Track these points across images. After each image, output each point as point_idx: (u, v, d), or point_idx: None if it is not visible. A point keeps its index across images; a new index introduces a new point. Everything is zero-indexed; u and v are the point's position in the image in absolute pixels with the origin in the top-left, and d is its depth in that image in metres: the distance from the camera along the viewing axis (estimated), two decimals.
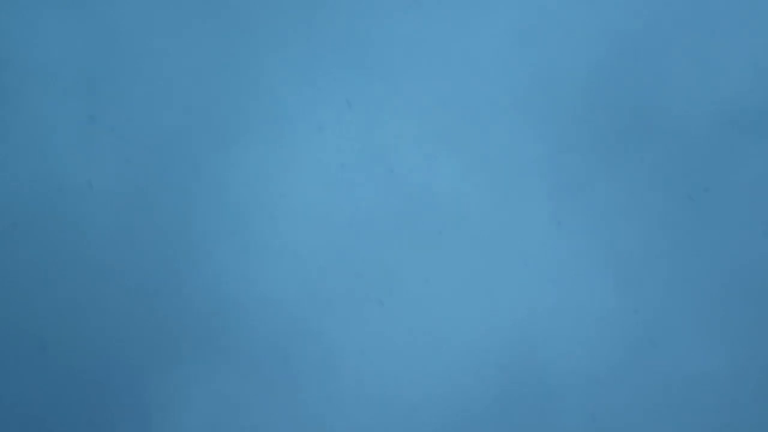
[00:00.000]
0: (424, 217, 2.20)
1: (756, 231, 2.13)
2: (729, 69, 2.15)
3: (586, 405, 2.14)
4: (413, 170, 2.20)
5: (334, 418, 2.19)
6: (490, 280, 2.18)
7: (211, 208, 2.24)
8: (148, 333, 2.25)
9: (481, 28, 2.19)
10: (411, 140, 2.20)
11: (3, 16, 2.31)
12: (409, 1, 2.21)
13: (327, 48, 2.23)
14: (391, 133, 2.21)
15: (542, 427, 2.15)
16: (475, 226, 2.19)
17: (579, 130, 2.18)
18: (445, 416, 2.17)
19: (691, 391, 2.13)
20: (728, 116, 2.15)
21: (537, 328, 2.16)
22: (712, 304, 2.13)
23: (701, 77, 2.16)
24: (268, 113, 2.24)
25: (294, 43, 2.23)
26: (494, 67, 2.19)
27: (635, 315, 2.13)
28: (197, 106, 2.26)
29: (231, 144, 2.24)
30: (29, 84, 2.29)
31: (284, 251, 2.22)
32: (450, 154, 2.19)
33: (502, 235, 2.18)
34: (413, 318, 2.19)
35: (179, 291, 2.24)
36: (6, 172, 2.28)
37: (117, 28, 2.28)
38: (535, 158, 2.18)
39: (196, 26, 2.26)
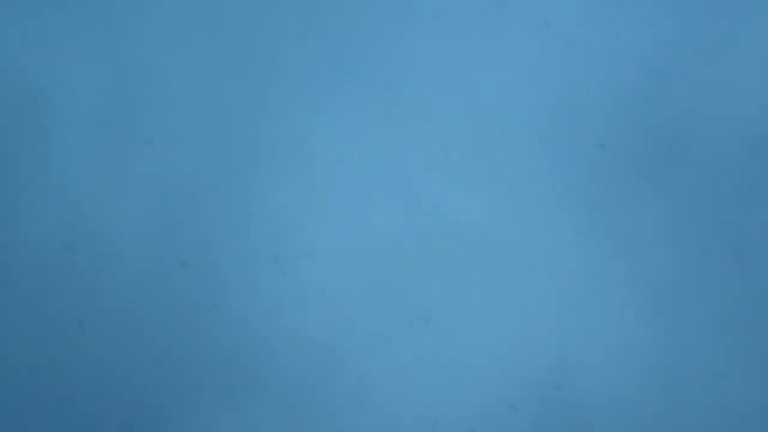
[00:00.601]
0: (451, 249, 2.20)
1: None
2: (756, 92, 2.14)
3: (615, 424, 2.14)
4: (440, 202, 2.20)
5: None
6: (520, 309, 2.17)
7: (239, 242, 2.25)
8: (175, 369, 2.25)
9: (506, 57, 2.19)
10: (437, 171, 2.21)
11: (38, 54, 2.33)
12: (433, 33, 2.21)
13: (352, 80, 2.23)
14: (417, 165, 2.21)
15: None
16: (503, 256, 2.18)
17: (605, 157, 2.17)
18: None
19: (722, 417, 2.12)
20: (757, 139, 2.14)
21: (567, 356, 2.16)
22: (744, 330, 2.12)
23: (728, 101, 2.15)
24: (294, 147, 2.24)
25: (319, 75, 2.24)
26: (519, 96, 2.19)
27: (665, 341, 2.13)
28: (223, 141, 2.27)
29: (256, 178, 2.24)
30: (60, 121, 2.31)
31: (312, 284, 2.22)
32: (477, 184, 2.19)
33: (530, 263, 2.18)
34: (443, 349, 2.18)
35: (206, 326, 2.24)
36: (37, 206, 2.30)
37: (144, 65, 2.29)
38: (562, 186, 2.17)
39: (222, 62, 2.27)
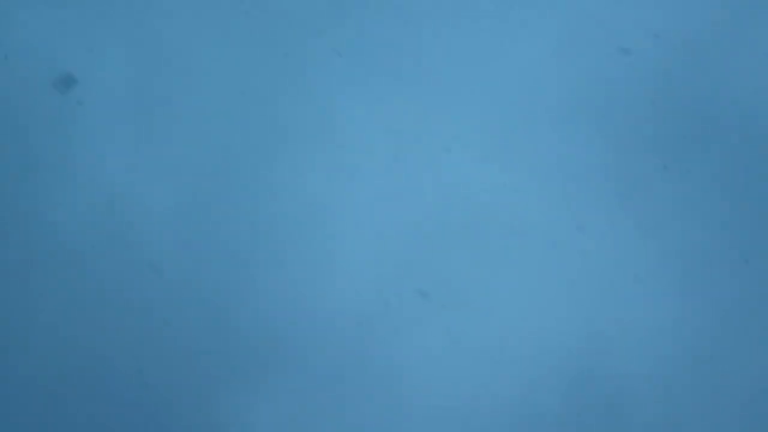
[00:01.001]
0: (481, 227, 2.19)
1: None
2: None
3: (651, 414, 2.15)
4: (470, 180, 2.20)
5: (400, 430, 2.20)
6: (550, 287, 2.18)
7: (267, 222, 2.25)
8: (214, 351, 2.26)
9: (534, 32, 2.18)
10: (467, 149, 2.20)
11: (66, 40, 2.31)
12: (460, 10, 2.19)
13: (377, 56, 2.22)
14: (447, 142, 2.20)
15: (612, 428, 2.16)
16: (534, 234, 2.18)
17: (638, 132, 2.16)
18: (509, 427, 2.18)
19: (752, 394, 2.13)
20: None
21: (600, 336, 2.16)
22: None
23: (764, 78, 2.14)
24: (323, 124, 2.24)
25: (346, 53, 2.23)
26: (549, 71, 2.18)
27: (701, 320, 2.13)
28: (250, 120, 2.26)
29: (284, 157, 2.24)
30: (89, 106, 2.30)
31: (342, 264, 2.23)
32: (507, 161, 2.19)
33: (561, 242, 2.18)
34: (474, 330, 2.19)
35: (244, 308, 2.25)
36: (64, 193, 2.29)
37: (172, 47, 2.28)
38: (594, 163, 2.17)
39: (248, 41, 2.26)
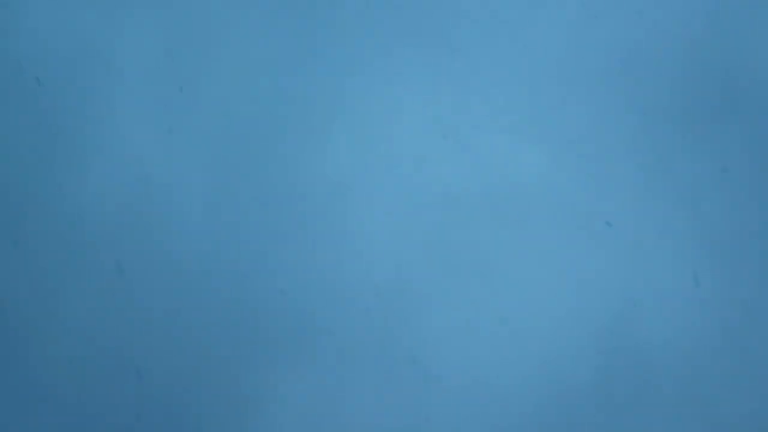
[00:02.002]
0: (510, 201, 2.19)
1: None
2: None
3: (683, 386, 2.13)
4: (499, 153, 2.20)
5: (430, 406, 2.19)
6: (580, 260, 2.17)
7: (303, 202, 2.26)
8: (240, 331, 2.27)
9: (563, 6, 2.19)
10: (495, 123, 2.21)
11: (98, 17, 2.35)
12: None
13: (408, 33, 2.24)
14: (475, 115, 2.21)
15: (640, 410, 2.14)
16: (564, 207, 2.18)
17: (667, 104, 2.16)
18: (542, 400, 2.16)
19: None
20: None
21: (631, 309, 2.15)
22: None
23: None
24: (351, 99, 2.25)
25: (376, 34, 2.25)
26: (577, 44, 2.19)
27: (730, 293, 2.11)
28: (275, 102, 2.28)
29: (313, 131, 2.26)
30: (119, 85, 2.33)
31: (372, 241, 2.23)
32: (536, 135, 2.19)
33: (590, 214, 2.17)
34: (506, 304, 2.18)
35: (270, 287, 2.26)
36: (100, 172, 2.32)
37: (202, 27, 2.31)
38: (623, 136, 2.17)
39: (281, 25, 2.29)
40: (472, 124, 2.21)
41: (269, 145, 2.27)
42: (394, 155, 2.23)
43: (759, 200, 2.13)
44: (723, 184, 2.13)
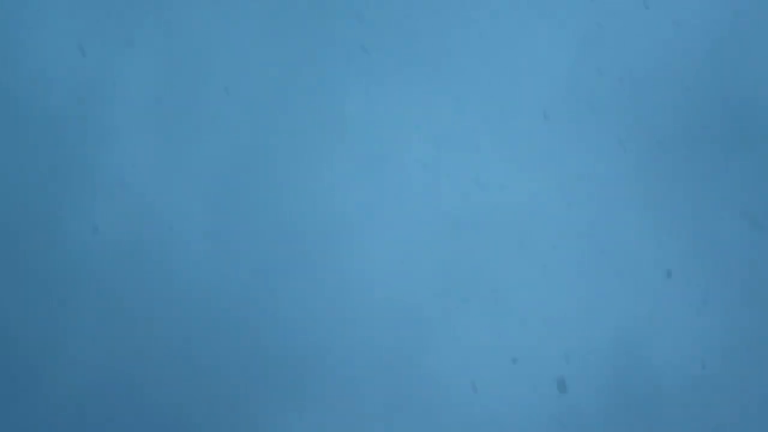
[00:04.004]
0: (514, 225, 2.20)
1: None
2: None
3: (690, 403, 2.14)
4: (503, 179, 2.20)
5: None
6: (584, 284, 2.18)
7: (304, 229, 2.26)
8: (244, 364, 2.26)
9: (565, 29, 2.19)
10: (501, 149, 2.21)
11: (94, 45, 2.34)
12: (488, 7, 2.21)
13: (403, 55, 2.23)
14: (481, 141, 2.21)
15: (648, 425, 2.15)
16: (567, 233, 2.18)
17: (670, 132, 2.16)
18: (551, 415, 2.17)
19: None
20: None
21: (640, 328, 2.15)
22: None
23: None
24: (357, 123, 2.24)
25: (373, 51, 2.24)
26: (580, 71, 2.19)
27: (739, 313, 2.12)
28: (277, 132, 2.27)
29: (319, 157, 2.25)
30: (118, 114, 2.32)
31: (375, 263, 2.23)
32: (541, 161, 2.19)
33: (596, 242, 2.17)
34: (514, 326, 2.19)
35: (275, 320, 2.25)
36: (98, 201, 2.31)
37: (197, 52, 2.30)
38: (623, 161, 2.17)
39: (281, 56, 2.28)
40: (477, 153, 2.21)
41: (273, 177, 2.26)
42: (399, 185, 2.22)
43: (760, 224, 2.14)
44: (724, 212, 2.14)
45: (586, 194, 2.17)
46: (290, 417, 2.25)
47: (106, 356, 2.31)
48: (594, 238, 2.17)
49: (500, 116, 2.19)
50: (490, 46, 2.20)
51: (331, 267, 2.24)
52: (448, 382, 2.20)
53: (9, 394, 2.36)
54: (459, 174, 2.21)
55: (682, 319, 2.14)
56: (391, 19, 2.22)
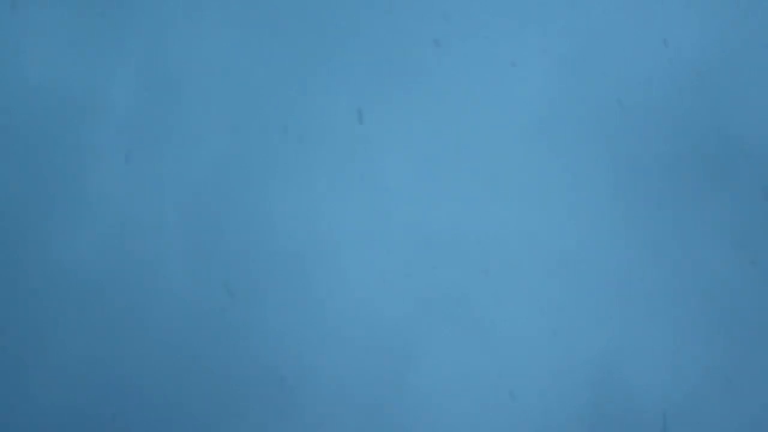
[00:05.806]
0: (495, 251, 2.20)
1: None
2: None
3: (670, 428, 2.14)
4: (483, 204, 2.20)
5: None
6: (567, 310, 2.17)
7: (282, 249, 2.26)
8: (228, 390, 2.26)
9: (550, 53, 2.20)
10: (477, 172, 2.21)
11: (74, 65, 2.34)
12: (473, 31, 2.22)
13: (368, 77, 2.24)
14: (464, 172, 2.21)
15: None
16: (547, 257, 2.18)
17: (653, 156, 2.17)
18: None
19: None
20: None
21: (620, 352, 2.15)
22: None
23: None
24: (327, 149, 2.25)
25: (341, 72, 2.25)
26: (566, 95, 2.19)
27: (720, 338, 2.12)
28: (264, 157, 2.28)
29: (290, 181, 2.25)
30: (97, 133, 2.32)
31: (355, 292, 2.23)
32: (520, 186, 2.20)
33: (579, 266, 2.18)
34: (494, 348, 2.19)
35: (261, 348, 2.25)
36: (76, 224, 2.31)
37: (177, 73, 2.31)
38: (605, 183, 2.17)
39: (268, 77, 2.29)
40: (460, 174, 2.21)
41: (253, 196, 2.27)
42: (379, 204, 2.23)
43: (740, 244, 2.14)
44: (707, 239, 2.14)
45: (569, 218, 2.17)
46: None
47: (86, 369, 2.30)
48: (577, 263, 2.17)
49: (483, 139, 2.20)
50: (474, 68, 2.21)
51: (310, 287, 2.24)
52: (429, 402, 2.19)
53: None
54: (440, 195, 2.21)
55: (663, 343, 2.13)
56: (375, 36, 2.24)
